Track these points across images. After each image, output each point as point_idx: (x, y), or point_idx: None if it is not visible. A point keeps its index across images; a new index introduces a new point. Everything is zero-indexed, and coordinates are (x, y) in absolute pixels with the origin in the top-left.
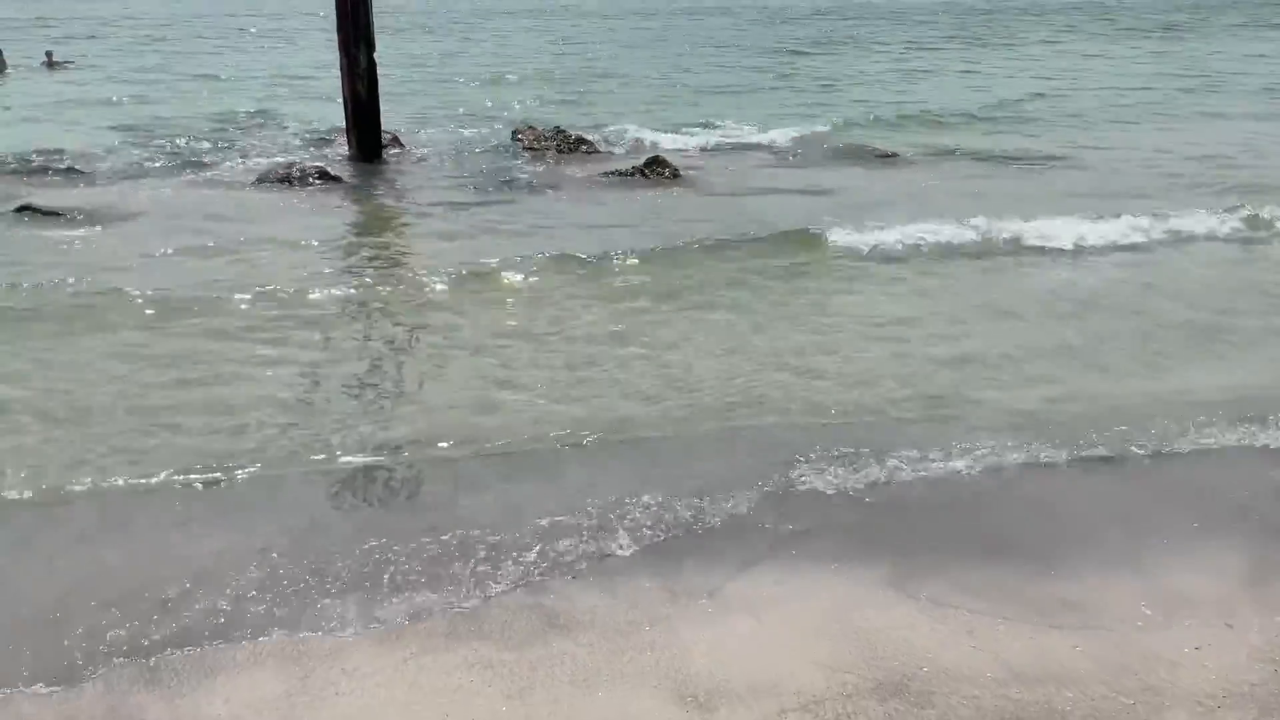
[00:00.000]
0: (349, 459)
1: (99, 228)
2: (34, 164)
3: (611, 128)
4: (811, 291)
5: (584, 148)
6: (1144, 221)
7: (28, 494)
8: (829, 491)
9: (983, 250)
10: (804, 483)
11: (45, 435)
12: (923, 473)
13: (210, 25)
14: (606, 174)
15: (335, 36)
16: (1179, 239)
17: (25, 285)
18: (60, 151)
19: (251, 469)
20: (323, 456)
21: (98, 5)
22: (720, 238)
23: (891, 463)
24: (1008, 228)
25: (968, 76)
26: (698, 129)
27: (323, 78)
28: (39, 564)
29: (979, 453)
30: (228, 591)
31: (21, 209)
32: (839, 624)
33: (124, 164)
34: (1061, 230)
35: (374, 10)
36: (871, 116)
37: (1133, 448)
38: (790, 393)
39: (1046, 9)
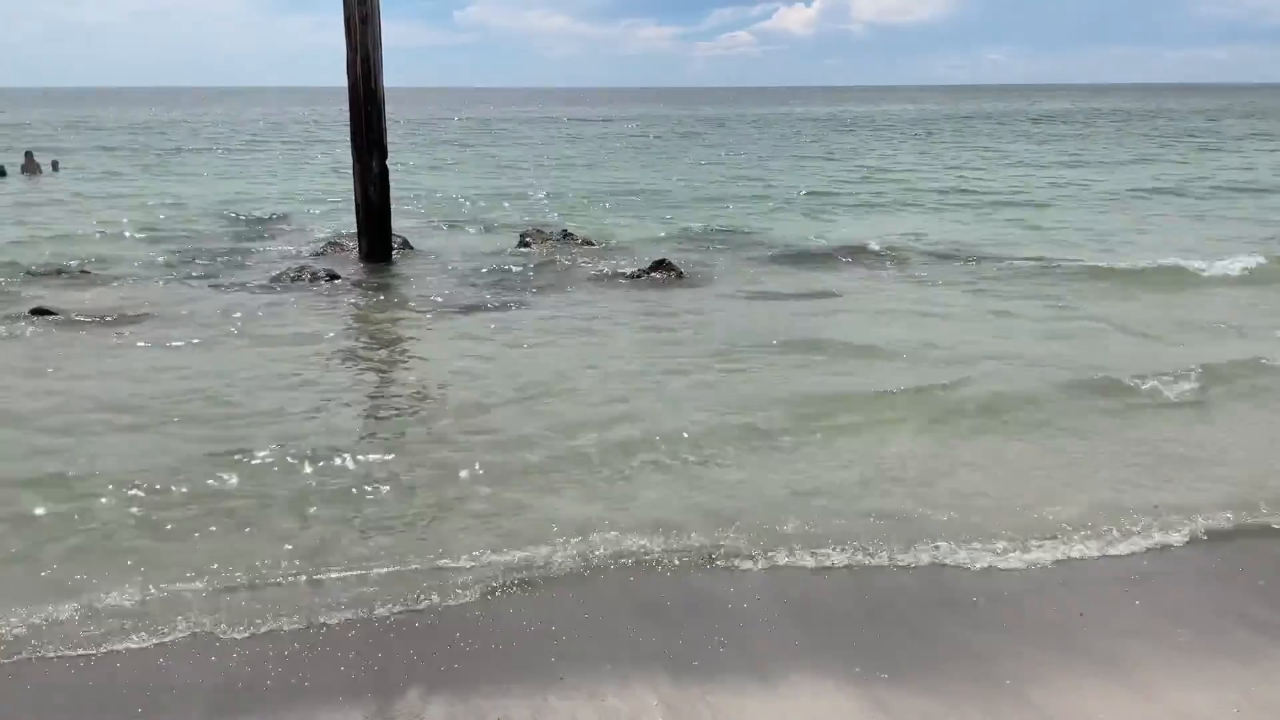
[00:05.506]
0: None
1: (106, 330)
2: (47, 266)
3: (619, 230)
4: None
5: (591, 250)
6: None
7: None
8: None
9: None
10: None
11: None
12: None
13: (221, 130)
14: (614, 275)
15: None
16: None
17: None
18: (72, 255)
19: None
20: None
21: (95, 110)
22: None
23: None
24: None
25: None
26: (701, 229)
27: (335, 184)
28: None
29: None
30: None
31: (35, 311)
32: None
33: (134, 267)
34: None
35: (386, 121)
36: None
37: None
38: None
39: None
